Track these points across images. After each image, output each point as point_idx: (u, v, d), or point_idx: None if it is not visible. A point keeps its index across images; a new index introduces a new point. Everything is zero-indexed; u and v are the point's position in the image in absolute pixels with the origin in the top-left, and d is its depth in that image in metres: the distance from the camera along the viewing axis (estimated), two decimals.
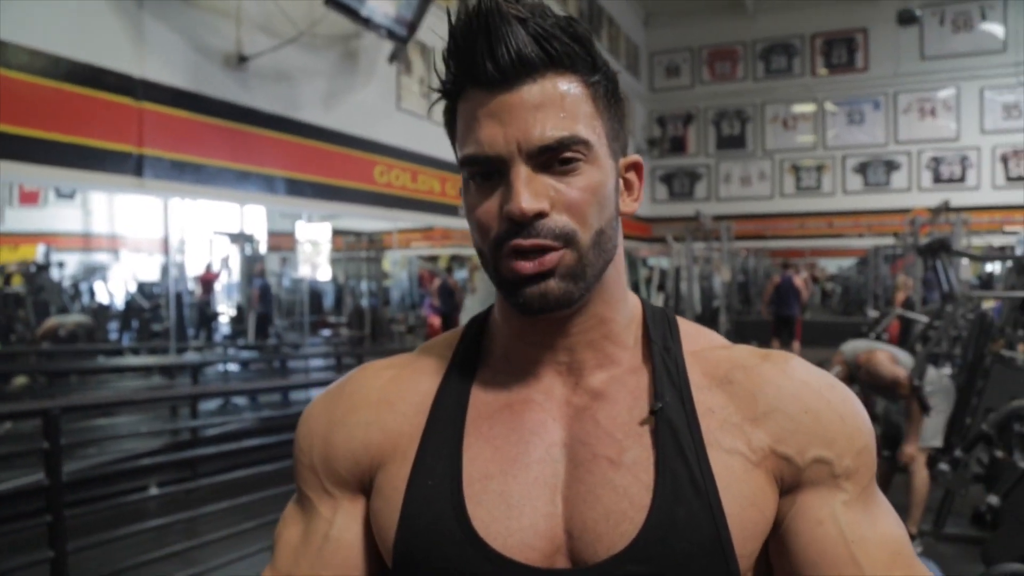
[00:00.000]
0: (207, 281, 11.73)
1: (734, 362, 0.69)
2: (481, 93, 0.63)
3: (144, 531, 3.46)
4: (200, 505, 3.80)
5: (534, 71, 0.62)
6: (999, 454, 3.83)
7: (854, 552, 0.62)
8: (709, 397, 0.67)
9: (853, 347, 4.17)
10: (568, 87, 0.63)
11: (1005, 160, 13.27)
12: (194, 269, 11.84)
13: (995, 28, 13.29)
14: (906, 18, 10.94)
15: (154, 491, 4.28)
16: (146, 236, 14.37)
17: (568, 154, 0.62)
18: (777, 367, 0.68)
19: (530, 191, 0.61)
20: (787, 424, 0.65)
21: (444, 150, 8.38)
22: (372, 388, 0.74)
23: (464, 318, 8.65)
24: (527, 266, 0.62)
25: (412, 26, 6.24)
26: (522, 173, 0.61)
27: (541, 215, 0.61)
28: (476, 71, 0.62)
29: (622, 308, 0.71)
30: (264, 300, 10.34)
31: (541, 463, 0.66)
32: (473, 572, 0.63)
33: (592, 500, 0.64)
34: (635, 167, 0.71)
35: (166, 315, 10.08)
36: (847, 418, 0.66)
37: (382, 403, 0.72)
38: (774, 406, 0.66)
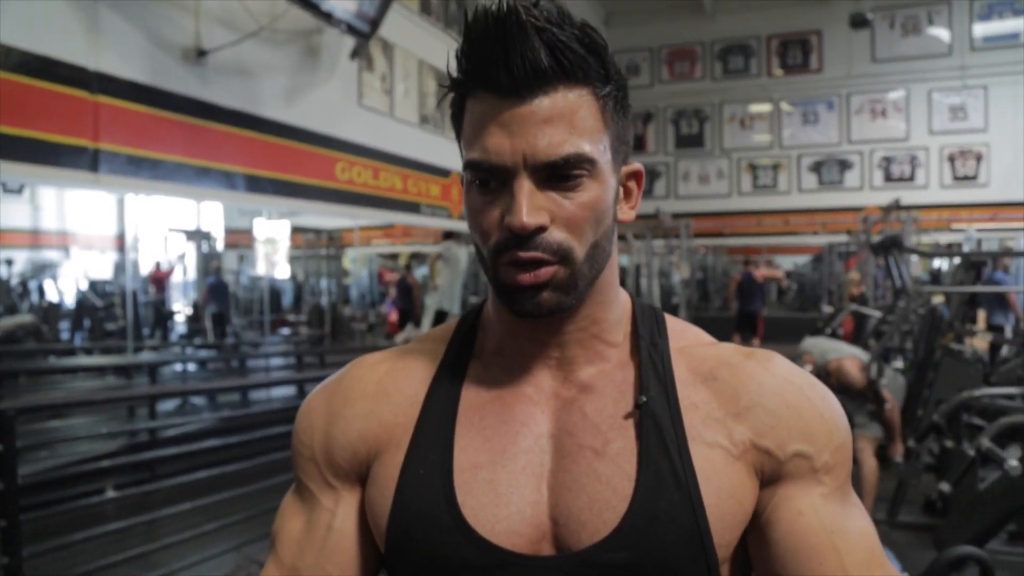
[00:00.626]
0: (158, 279, 11.49)
1: (719, 359, 0.72)
2: (492, 98, 0.63)
3: (102, 535, 3.39)
4: (160, 507, 3.74)
5: (546, 83, 0.62)
6: (949, 444, 3.97)
7: (835, 541, 0.65)
8: (693, 392, 0.69)
9: (821, 350, 4.25)
10: (579, 101, 0.63)
11: (952, 160, 13.70)
12: (148, 267, 11.60)
13: (941, 32, 13.70)
14: (858, 21, 11.20)
15: (111, 494, 4.19)
16: (98, 233, 14.03)
17: (573, 171, 0.63)
18: (760, 365, 0.70)
19: (532, 205, 0.62)
20: (768, 419, 0.67)
21: (406, 147, 8.38)
22: (369, 381, 0.76)
23: (427, 315, 8.61)
24: (524, 278, 0.64)
25: (375, 22, 6.20)
26: (525, 187, 0.62)
27: (541, 229, 0.63)
28: (489, 77, 0.63)
29: (613, 307, 0.73)
30: (219, 298, 10.16)
31: (528, 453, 0.68)
32: (462, 558, 0.65)
33: (577, 489, 0.66)
34: (636, 176, 0.73)
35: (120, 314, 9.86)
36: (826, 415, 0.68)
37: (378, 395, 0.74)
38: (756, 401, 0.68)
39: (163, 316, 11.20)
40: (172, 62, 5.11)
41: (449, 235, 8.82)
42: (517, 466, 0.68)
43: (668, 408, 0.68)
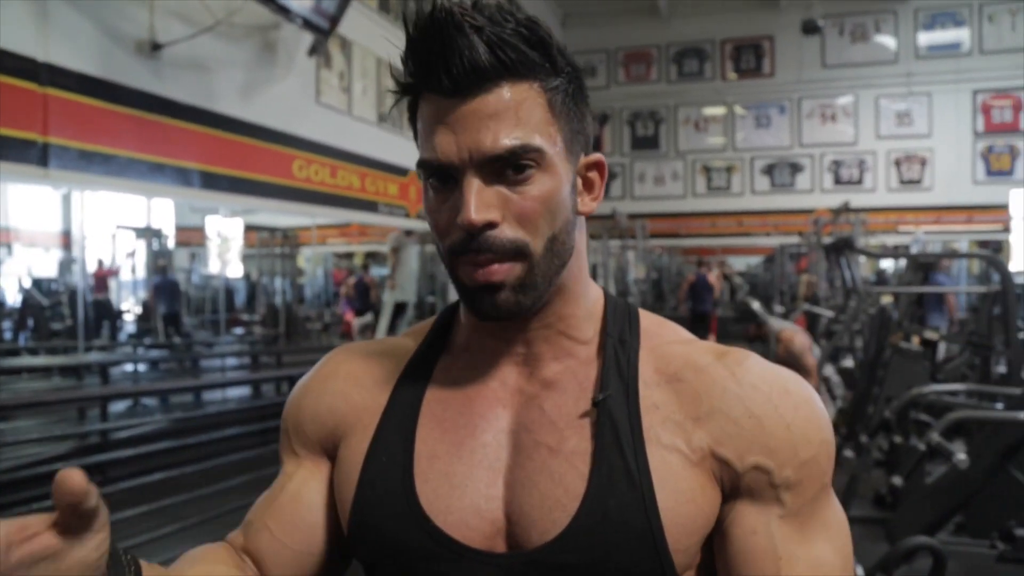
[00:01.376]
0: (101, 278, 11.15)
1: (687, 360, 0.69)
2: (438, 99, 0.64)
3: None
4: (113, 511, 3.63)
5: (488, 80, 0.62)
6: (898, 439, 4.10)
7: (780, 568, 0.62)
8: (656, 393, 0.67)
9: (781, 323, 4.39)
10: (523, 94, 0.63)
11: (898, 164, 14.15)
12: (93, 265, 11.25)
13: (888, 40, 14.14)
14: (810, 28, 11.48)
15: None
16: (42, 229, 13.58)
17: (520, 162, 0.62)
18: (728, 369, 0.67)
19: (480, 201, 0.62)
20: (728, 427, 0.64)
21: (364, 146, 8.30)
22: (342, 365, 0.78)
23: (385, 310, 8.55)
24: (478, 275, 0.64)
25: (334, 19, 6.14)
26: (473, 184, 0.62)
27: (491, 225, 0.62)
28: (431, 80, 0.63)
29: (582, 303, 0.72)
30: (168, 298, 9.91)
31: (487, 448, 0.68)
32: (416, 546, 0.66)
33: (530, 486, 0.65)
34: (597, 166, 0.71)
35: (67, 313, 9.56)
36: (794, 426, 0.64)
37: (350, 377, 0.77)
38: (717, 407, 0.65)
39: (108, 315, 10.87)
40: (126, 55, 4.98)
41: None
42: (474, 460, 0.68)
43: (627, 407, 0.66)
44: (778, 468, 0.63)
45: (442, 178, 0.65)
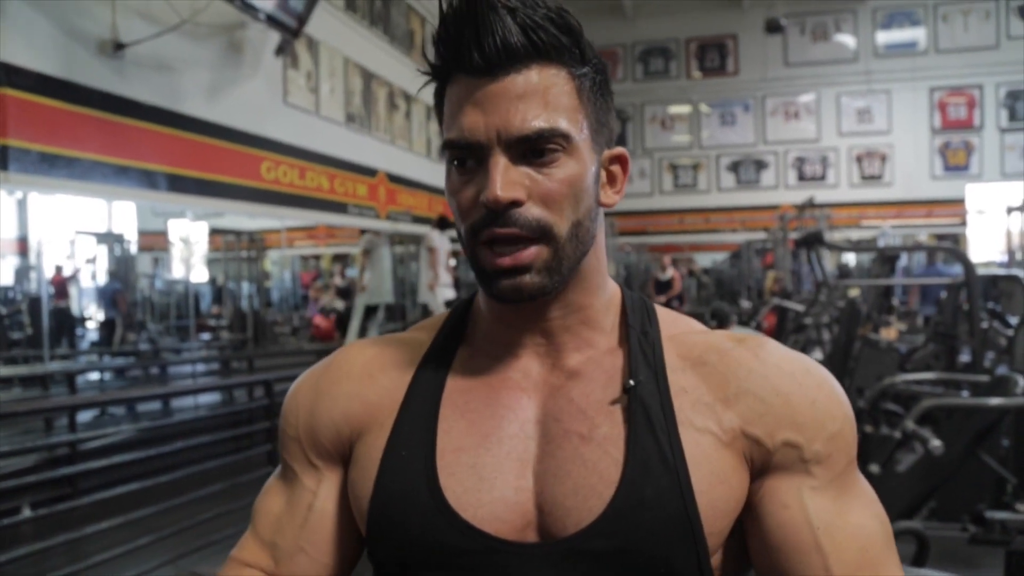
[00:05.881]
0: (60, 285, 10.87)
1: (709, 345, 0.70)
2: (467, 80, 0.64)
3: (20, 557, 3.18)
4: (84, 524, 3.55)
5: (519, 61, 0.62)
6: (868, 429, 4.18)
7: (819, 539, 0.62)
8: (683, 377, 0.68)
9: (744, 331, 4.44)
10: (553, 79, 0.63)
11: (860, 160, 14.45)
12: (51, 272, 10.95)
13: (847, 39, 14.43)
14: (772, 27, 11.66)
15: (27, 512, 3.95)
16: None
17: (547, 145, 0.63)
18: (750, 351, 0.69)
19: (506, 180, 0.62)
20: (757, 406, 0.65)
21: (333, 146, 8.22)
22: (355, 363, 0.75)
23: (356, 314, 8.47)
24: (504, 261, 0.63)
25: (301, 19, 6.07)
26: (500, 162, 0.62)
27: (516, 204, 0.62)
28: (463, 59, 0.63)
29: (600, 295, 0.72)
30: (109, 305, 9.70)
31: (514, 439, 0.67)
32: (443, 541, 0.64)
33: (562, 475, 0.64)
34: (620, 159, 0.72)
35: (27, 322, 9.31)
36: (819, 403, 0.65)
37: (363, 376, 0.74)
38: (745, 388, 0.66)
39: (69, 323, 10.60)
40: (87, 55, 4.86)
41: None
42: (502, 451, 0.67)
43: (657, 393, 0.66)
44: (807, 443, 0.64)
45: (466, 158, 0.65)
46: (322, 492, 0.73)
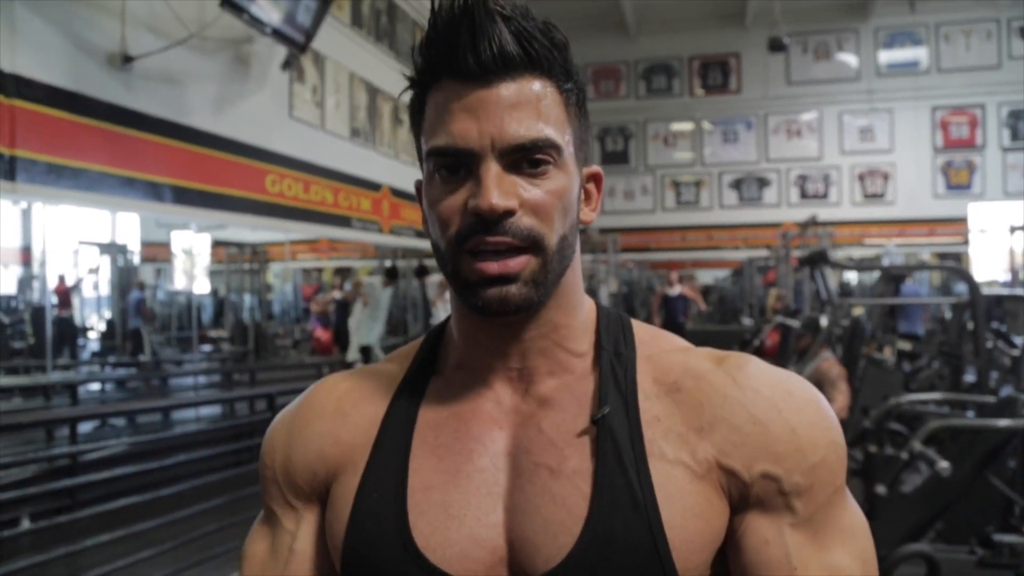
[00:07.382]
0: (63, 295, 10.88)
1: (686, 368, 0.67)
2: (457, 85, 0.62)
3: (19, 570, 3.17)
4: (83, 537, 3.53)
5: (513, 70, 0.62)
6: (873, 449, 4.15)
7: None
8: (656, 405, 0.65)
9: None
10: (544, 90, 0.63)
11: (862, 178, 14.48)
12: (54, 281, 10.96)
13: (849, 58, 14.50)
14: (775, 45, 11.71)
15: (27, 524, 3.93)
16: (1, 245, 13.19)
17: (539, 156, 0.62)
18: (728, 375, 0.65)
19: (500, 188, 0.60)
20: (732, 436, 0.62)
21: (337, 161, 8.25)
22: (328, 400, 0.74)
23: (354, 332, 8.45)
24: (492, 267, 0.61)
25: (308, 34, 6.10)
26: (493, 169, 0.61)
27: (509, 213, 0.61)
28: (455, 63, 0.62)
29: (577, 314, 0.70)
30: (136, 314, 9.73)
31: (484, 472, 0.65)
32: None
33: (532, 511, 0.62)
34: (595, 178, 0.71)
35: (30, 331, 9.31)
36: (799, 430, 0.62)
37: (336, 414, 0.72)
38: (720, 416, 0.63)
39: (72, 333, 10.59)
40: (96, 67, 4.88)
41: (392, 273, 8.68)
42: (471, 486, 0.65)
43: (627, 422, 0.64)
44: (786, 475, 0.61)
45: (454, 166, 0.63)
46: (301, 533, 0.71)
